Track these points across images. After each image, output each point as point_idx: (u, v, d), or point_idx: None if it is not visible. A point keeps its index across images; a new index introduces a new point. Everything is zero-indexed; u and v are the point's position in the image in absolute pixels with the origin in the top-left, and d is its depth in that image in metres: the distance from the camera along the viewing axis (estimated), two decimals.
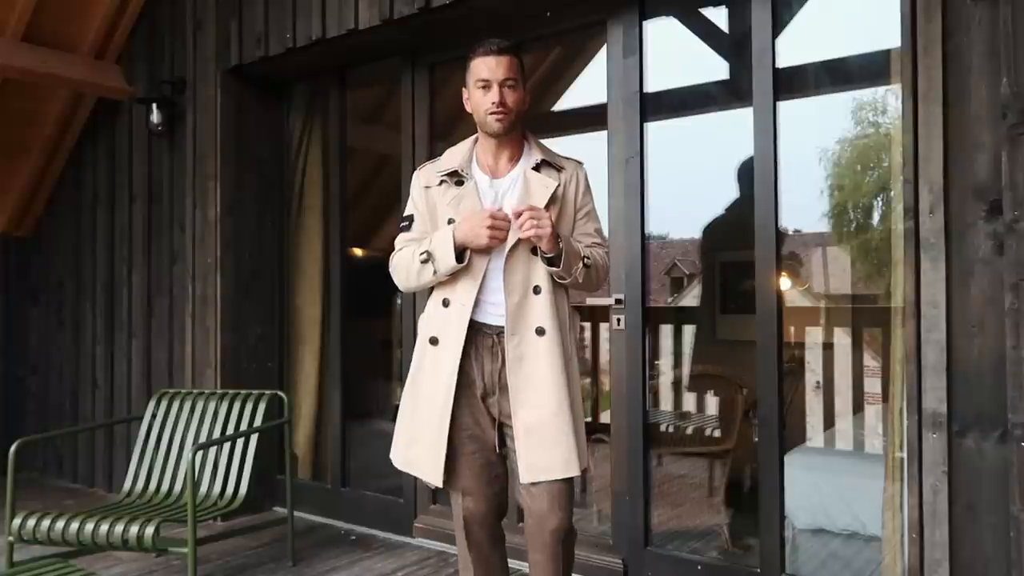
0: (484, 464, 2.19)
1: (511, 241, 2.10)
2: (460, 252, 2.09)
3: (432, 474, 2.14)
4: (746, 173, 3.82)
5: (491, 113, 2.13)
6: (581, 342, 2.36)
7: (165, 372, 4.39)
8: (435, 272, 2.13)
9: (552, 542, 2.12)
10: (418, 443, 2.18)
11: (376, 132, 4.92)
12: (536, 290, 2.12)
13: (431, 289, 2.24)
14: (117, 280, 4.71)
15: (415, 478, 3.65)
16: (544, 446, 2.08)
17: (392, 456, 2.27)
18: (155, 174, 4.49)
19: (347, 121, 4.17)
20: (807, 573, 3.11)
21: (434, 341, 2.18)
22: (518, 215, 2.04)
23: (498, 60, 2.12)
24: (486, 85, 2.14)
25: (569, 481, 2.15)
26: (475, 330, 2.14)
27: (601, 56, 3.28)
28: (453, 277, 2.15)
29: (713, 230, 4.15)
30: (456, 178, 2.20)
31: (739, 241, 4.01)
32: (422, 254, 2.14)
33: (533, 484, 2.11)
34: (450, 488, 2.21)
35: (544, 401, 2.09)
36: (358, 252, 5.60)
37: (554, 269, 2.09)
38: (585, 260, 2.14)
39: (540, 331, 2.11)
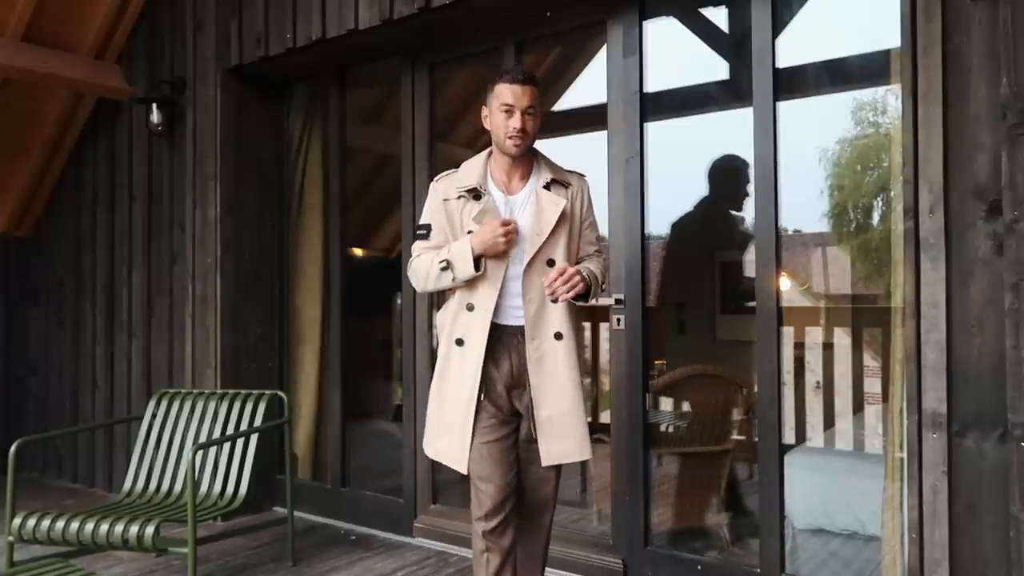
0: (503, 451, 2.37)
1: (529, 254, 2.31)
2: (477, 261, 2.30)
3: (458, 463, 2.35)
4: (716, 173, 3.84)
5: (510, 137, 2.32)
6: (581, 342, 2.50)
7: (165, 372, 4.39)
8: (454, 279, 2.35)
9: (550, 516, 2.52)
10: (447, 435, 2.38)
11: (376, 132, 4.92)
12: (553, 299, 2.31)
13: (454, 292, 2.42)
14: (117, 280, 4.71)
15: (415, 478, 3.71)
16: (564, 435, 2.35)
17: (424, 447, 2.49)
18: (155, 174, 4.49)
19: (347, 121, 4.17)
20: (807, 573, 3.11)
21: (460, 342, 2.36)
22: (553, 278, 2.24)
23: (523, 89, 2.32)
24: (509, 110, 2.31)
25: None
26: (499, 331, 2.35)
27: (601, 56, 3.28)
28: (476, 284, 2.33)
29: (682, 227, 4.09)
30: (474, 193, 2.37)
31: (715, 239, 4.04)
32: (441, 262, 2.34)
33: (544, 468, 2.41)
34: (471, 474, 2.37)
35: (563, 397, 2.34)
36: (358, 252, 5.61)
37: (582, 303, 2.33)
38: (603, 286, 2.43)
39: (558, 335, 2.34)
